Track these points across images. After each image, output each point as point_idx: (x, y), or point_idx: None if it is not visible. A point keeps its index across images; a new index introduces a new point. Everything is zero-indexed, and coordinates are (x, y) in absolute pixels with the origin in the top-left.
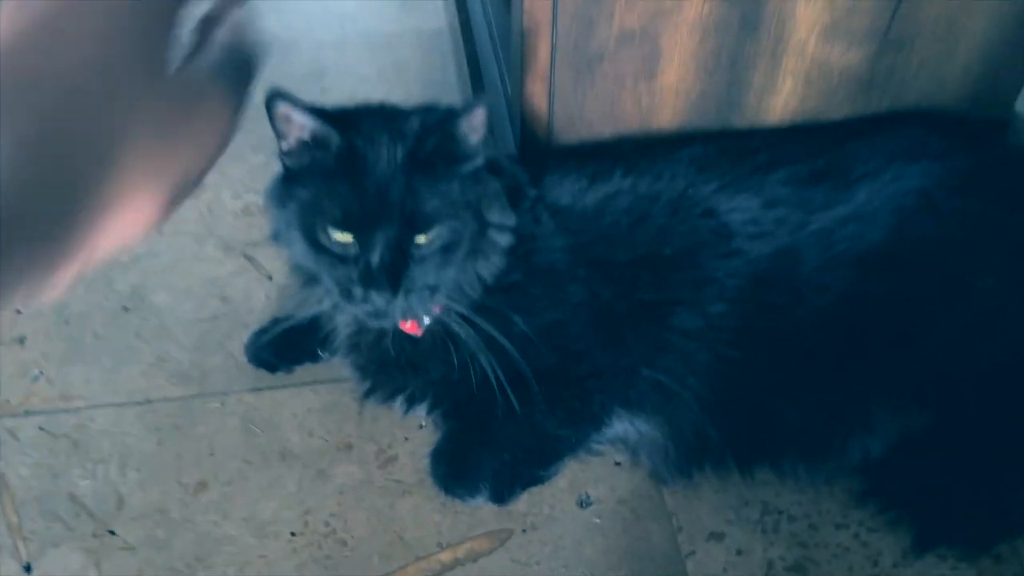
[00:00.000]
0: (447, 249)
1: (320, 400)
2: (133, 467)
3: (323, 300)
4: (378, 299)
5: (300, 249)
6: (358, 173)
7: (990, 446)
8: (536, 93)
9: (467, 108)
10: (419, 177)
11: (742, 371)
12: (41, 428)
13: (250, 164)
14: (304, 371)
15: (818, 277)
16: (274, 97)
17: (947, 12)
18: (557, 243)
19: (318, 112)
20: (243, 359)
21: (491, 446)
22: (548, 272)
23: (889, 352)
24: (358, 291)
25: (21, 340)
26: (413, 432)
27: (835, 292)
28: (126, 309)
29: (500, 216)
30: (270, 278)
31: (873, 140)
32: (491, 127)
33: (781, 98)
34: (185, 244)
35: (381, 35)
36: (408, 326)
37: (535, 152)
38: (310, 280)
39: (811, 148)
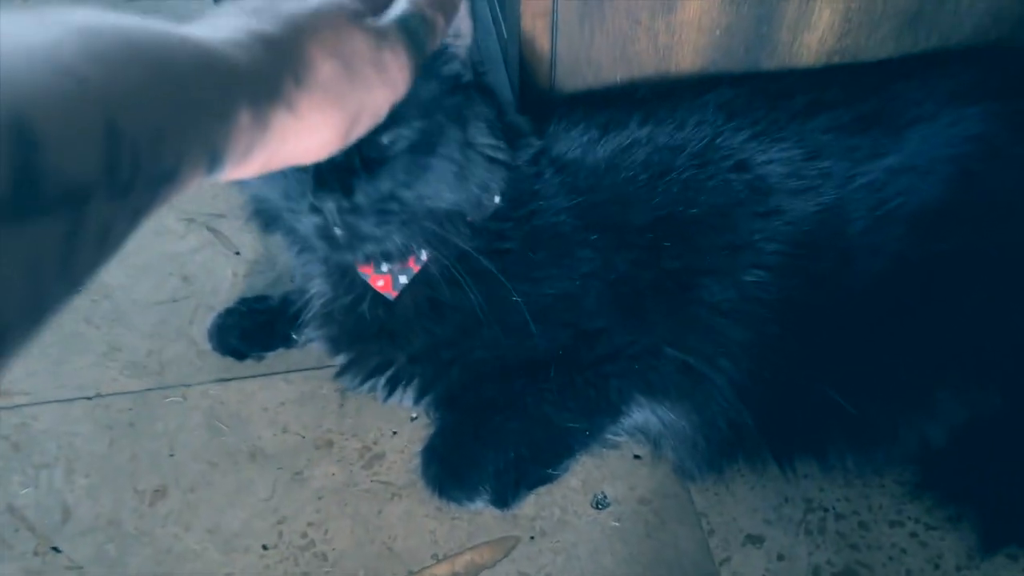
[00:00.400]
0: (416, 154)
1: (295, 391)
2: (82, 472)
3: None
4: (331, 207)
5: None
6: None
7: None
8: (536, 31)
9: None
10: None
11: (782, 349)
12: None
13: None
14: (277, 358)
15: (869, 238)
16: None
17: None
18: (563, 202)
19: None
20: (207, 346)
21: (492, 441)
22: (553, 236)
23: (954, 324)
24: (310, 200)
25: None
26: (403, 425)
27: (889, 255)
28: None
29: (489, 141)
30: (237, 253)
31: (924, 80)
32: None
33: (817, 34)
34: None
35: None
36: (381, 284)
37: (536, 100)
38: (270, 221)
39: (854, 90)
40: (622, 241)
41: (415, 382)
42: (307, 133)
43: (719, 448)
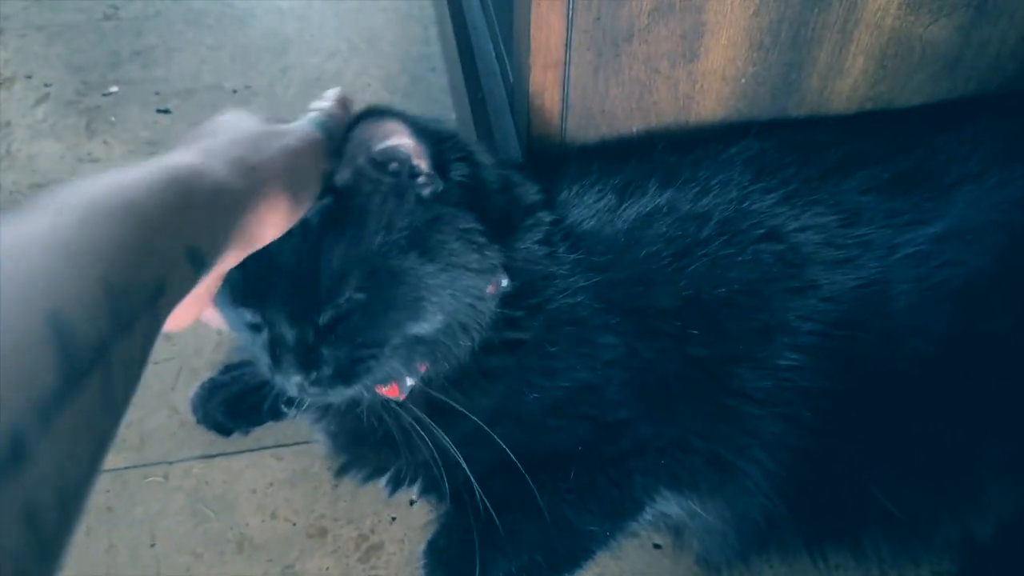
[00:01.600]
0: (377, 298)
1: (286, 468)
2: None
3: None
4: (294, 382)
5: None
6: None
7: None
8: (547, 81)
9: (369, 116)
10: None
11: (820, 439)
12: None
13: None
14: (265, 431)
15: (914, 316)
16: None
17: None
18: (580, 282)
19: None
20: (190, 416)
21: (504, 545)
22: (571, 321)
23: (1007, 409)
24: (273, 366)
25: None
26: (402, 510)
27: (936, 335)
28: None
29: (469, 258)
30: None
31: (966, 132)
32: (488, 120)
33: (850, 80)
34: None
35: (351, 1)
36: (387, 389)
37: (545, 152)
38: None
39: (892, 142)
40: (646, 327)
41: (419, 482)
42: (270, 226)
43: (750, 540)
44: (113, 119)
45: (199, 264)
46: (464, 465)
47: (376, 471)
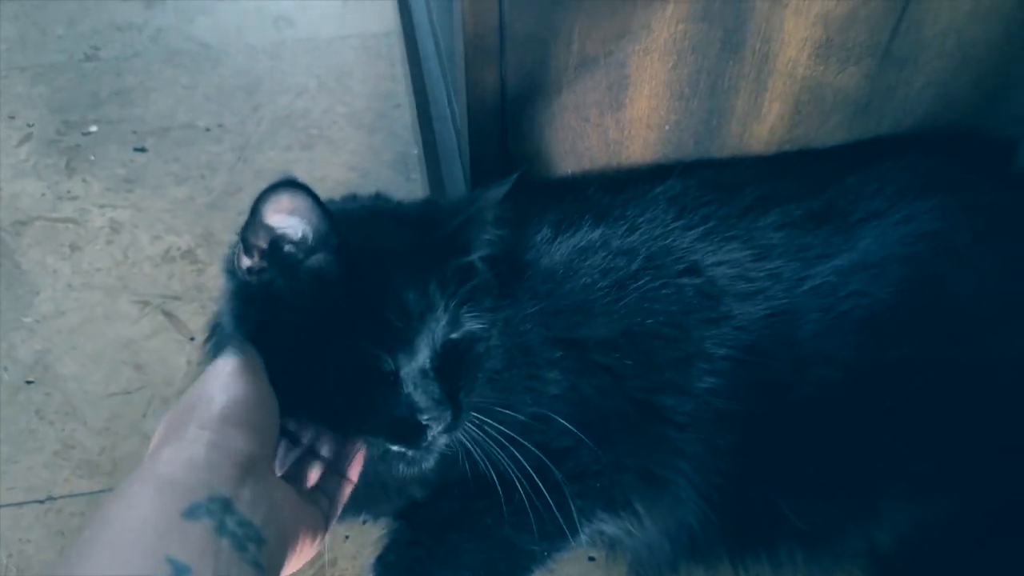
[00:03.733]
0: (479, 347)
1: None
2: None
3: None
4: (440, 426)
5: (300, 405)
6: (375, 280)
7: (1012, 544)
8: (486, 131)
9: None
10: (441, 270)
11: (736, 457)
12: None
13: (171, 198)
14: None
15: (820, 344)
16: (259, 204)
17: (955, 24)
18: (526, 309)
19: (321, 210)
20: None
21: (448, 561)
22: (522, 352)
23: (904, 431)
24: (415, 431)
25: None
26: (355, 529)
27: (839, 362)
28: (29, 383)
29: (495, 305)
30: (192, 339)
31: (875, 171)
32: (438, 162)
33: (767, 125)
34: (96, 300)
35: (321, 39)
36: None
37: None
38: None
39: (806, 182)
40: (586, 365)
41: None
42: None
43: (680, 550)
44: (92, 158)
45: None
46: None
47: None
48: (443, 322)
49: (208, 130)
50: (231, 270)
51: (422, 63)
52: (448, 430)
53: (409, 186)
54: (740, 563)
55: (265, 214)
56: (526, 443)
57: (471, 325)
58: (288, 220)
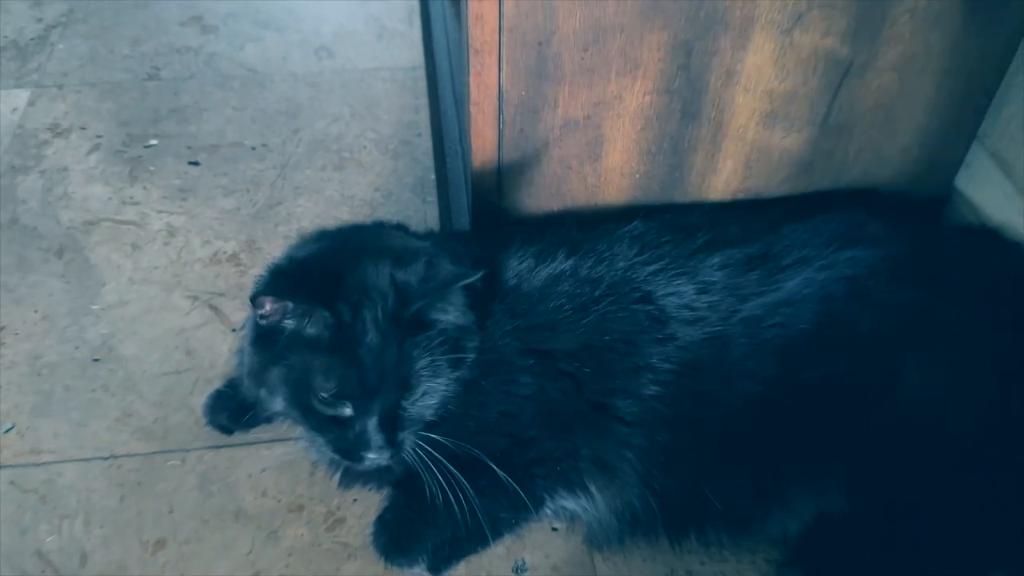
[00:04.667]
0: (431, 394)
1: (274, 458)
2: (97, 523)
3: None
4: (376, 456)
5: (284, 409)
6: (350, 345)
7: (901, 533)
8: (486, 172)
9: (456, 277)
10: (407, 341)
11: (673, 451)
12: (12, 483)
13: (220, 208)
14: (259, 431)
15: (747, 363)
16: (256, 297)
17: (884, 101)
18: (506, 326)
19: (303, 293)
20: (203, 418)
21: (433, 523)
22: (499, 363)
23: (811, 438)
24: (355, 452)
25: None
26: (362, 495)
27: (762, 378)
28: (96, 360)
29: (471, 342)
30: (233, 330)
31: (810, 223)
32: (448, 194)
33: (722, 178)
34: (154, 293)
35: (356, 71)
36: None
37: (486, 223)
38: (256, 387)
39: (749, 231)
40: (553, 370)
41: (387, 485)
42: None
43: (624, 526)
44: (152, 168)
45: None
46: (417, 466)
47: (359, 479)
48: (399, 385)
49: (254, 149)
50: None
51: (440, 101)
52: (385, 461)
53: (425, 207)
54: (675, 540)
55: (256, 306)
56: (495, 434)
57: (427, 383)
58: (270, 308)
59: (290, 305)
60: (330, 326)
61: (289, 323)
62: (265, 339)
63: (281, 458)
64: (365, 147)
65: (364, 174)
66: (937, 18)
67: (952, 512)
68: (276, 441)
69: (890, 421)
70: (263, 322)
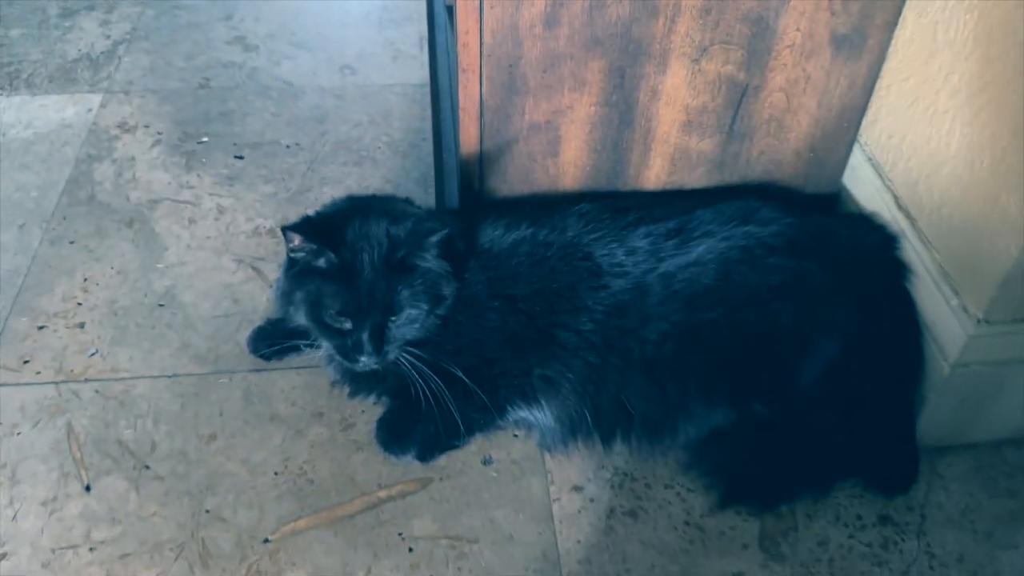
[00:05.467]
0: (412, 320)
1: (302, 380)
2: (163, 422)
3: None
4: (367, 360)
5: (304, 321)
6: (350, 278)
7: (777, 438)
8: (471, 163)
9: (431, 231)
10: (394, 278)
11: (603, 372)
12: (97, 392)
13: (260, 193)
14: (291, 359)
15: (660, 307)
16: (285, 230)
17: (776, 115)
18: (479, 277)
19: (317, 236)
20: (247, 349)
21: (421, 421)
22: (471, 303)
23: (708, 364)
24: (351, 355)
25: (82, 325)
26: (369, 407)
27: (673, 319)
28: (161, 305)
29: (448, 287)
30: (270, 286)
31: (717, 207)
32: (443, 181)
33: (653, 172)
34: (207, 257)
35: (374, 86)
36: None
37: (471, 203)
38: (286, 306)
39: (670, 212)
40: (513, 308)
41: (386, 396)
42: None
43: (567, 432)
44: (204, 160)
45: None
46: (408, 378)
47: (366, 392)
48: (386, 310)
49: (288, 147)
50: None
51: (441, 111)
52: (374, 365)
53: (427, 196)
54: (606, 443)
55: (287, 240)
56: (467, 355)
57: (408, 310)
58: (297, 243)
59: (308, 243)
60: (335, 262)
61: (309, 258)
62: (292, 269)
63: (307, 378)
64: (380, 148)
65: (378, 169)
66: (811, 52)
67: (812, 414)
68: (303, 368)
69: (767, 350)
70: (292, 255)
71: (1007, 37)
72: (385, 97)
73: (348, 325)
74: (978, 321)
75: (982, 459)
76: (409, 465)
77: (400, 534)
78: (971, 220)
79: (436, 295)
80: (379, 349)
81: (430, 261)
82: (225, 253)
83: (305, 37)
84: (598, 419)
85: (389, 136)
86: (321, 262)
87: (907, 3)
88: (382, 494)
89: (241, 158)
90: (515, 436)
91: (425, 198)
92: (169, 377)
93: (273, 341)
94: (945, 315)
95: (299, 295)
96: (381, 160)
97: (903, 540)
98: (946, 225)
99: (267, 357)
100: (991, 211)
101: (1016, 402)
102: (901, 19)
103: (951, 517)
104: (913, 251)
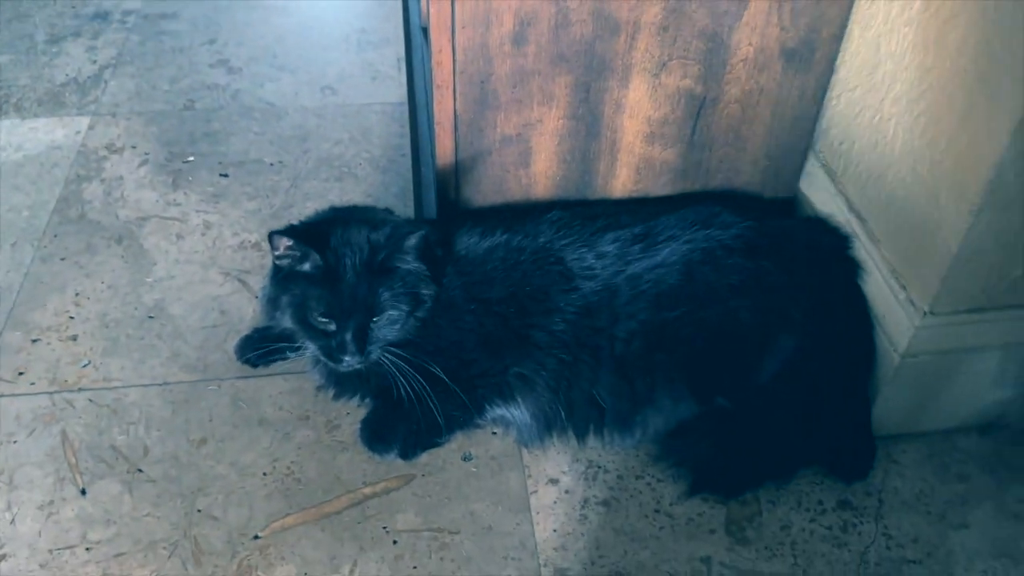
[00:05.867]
0: (393, 321)
1: (289, 385)
2: (155, 428)
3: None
4: (350, 360)
5: (290, 325)
6: (334, 280)
7: (741, 429)
8: (447, 174)
9: (408, 233)
10: (375, 280)
11: (575, 369)
12: (90, 400)
13: (245, 209)
14: (277, 365)
15: (628, 307)
16: (272, 235)
17: (733, 125)
18: (456, 282)
19: (304, 239)
20: (235, 357)
21: (402, 419)
22: (449, 306)
23: (673, 360)
24: (336, 355)
25: (74, 338)
26: (353, 409)
27: (640, 318)
28: (151, 318)
29: (427, 290)
30: (256, 297)
31: (680, 213)
32: (420, 192)
33: (620, 180)
34: (195, 270)
35: (354, 105)
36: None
37: (448, 213)
38: (272, 311)
39: (636, 218)
40: (489, 310)
41: (369, 397)
42: None
43: (543, 428)
44: (190, 179)
45: None
46: (392, 381)
47: (350, 394)
48: (368, 311)
49: (272, 164)
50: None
51: (419, 127)
52: (357, 365)
53: (407, 209)
54: (580, 437)
55: (272, 245)
56: (446, 356)
57: (389, 311)
58: (283, 248)
59: (294, 248)
60: (320, 266)
61: (294, 262)
62: (278, 275)
63: (293, 383)
64: (360, 164)
65: (359, 184)
66: (763, 65)
67: (773, 406)
68: (290, 373)
69: (728, 346)
70: (278, 261)
71: (941, 48)
72: (365, 115)
73: (332, 327)
74: (924, 313)
75: (935, 446)
76: (393, 463)
77: (384, 528)
78: (915, 219)
79: (416, 297)
80: (362, 349)
81: (409, 264)
82: (212, 267)
83: (287, 60)
84: (571, 414)
85: (369, 152)
86: (306, 266)
87: (852, 17)
88: (367, 491)
89: (226, 176)
90: (493, 433)
91: (404, 210)
92: (160, 385)
93: (260, 348)
94: (894, 309)
95: (285, 299)
96: (362, 176)
97: (861, 523)
98: (893, 225)
99: (254, 364)
100: (932, 211)
101: (963, 391)
102: (847, 32)
103: (906, 501)
104: (864, 250)
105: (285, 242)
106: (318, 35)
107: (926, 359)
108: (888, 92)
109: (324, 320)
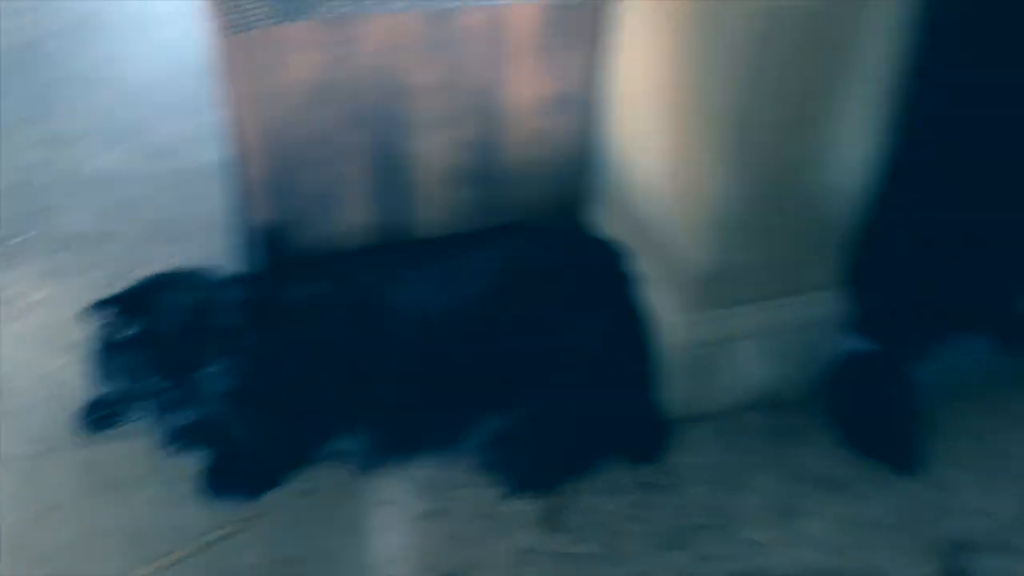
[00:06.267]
0: (222, 373)
1: (133, 445)
2: (2, 500)
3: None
4: (185, 413)
5: (126, 389)
6: (159, 342)
7: (546, 433)
8: (268, 227)
9: (227, 295)
10: (199, 337)
11: (400, 398)
12: None
13: (80, 281)
14: (121, 426)
15: (433, 334)
16: (96, 305)
17: (517, 167)
18: (283, 328)
19: (126, 306)
20: None
21: (245, 464)
22: (277, 352)
23: (477, 379)
24: (172, 411)
25: None
26: (196, 460)
27: (442, 344)
28: None
29: (251, 342)
30: (92, 365)
31: (488, 241)
32: (251, 247)
33: (424, 222)
34: (34, 347)
35: (188, 169)
36: None
37: (275, 265)
38: (107, 376)
39: (451, 249)
40: (316, 352)
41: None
42: None
43: (378, 455)
44: (24, 257)
45: None
46: (230, 429)
47: (187, 443)
48: (196, 366)
49: (106, 234)
50: None
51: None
52: (194, 417)
53: (238, 265)
54: (411, 459)
55: (98, 315)
56: (280, 398)
57: (215, 366)
58: (108, 317)
59: (119, 316)
60: (143, 329)
61: (119, 330)
62: (106, 343)
63: (136, 444)
64: (192, 225)
65: (191, 246)
66: (542, 111)
67: (569, 407)
68: (133, 434)
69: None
70: (105, 329)
71: (673, 109)
72: (198, 178)
73: (164, 384)
74: (688, 311)
75: (723, 425)
76: (239, 506)
77: (233, 566)
78: (673, 236)
79: (240, 349)
80: (196, 402)
81: (231, 319)
82: (50, 341)
83: (120, 128)
84: (403, 440)
85: (202, 213)
86: (131, 331)
87: (619, 66)
88: (215, 535)
89: (62, 251)
90: (332, 465)
91: (235, 266)
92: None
93: (102, 414)
94: (666, 310)
95: (116, 365)
96: (195, 237)
97: (659, 500)
98: (657, 241)
99: (99, 429)
100: (684, 228)
101: (736, 374)
102: (617, 79)
103: (699, 475)
104: (639, 263)
105: (109, 311)
106: (151, 103)
107: (696, 350)
108: (647, 128)
109: (156, 380)
